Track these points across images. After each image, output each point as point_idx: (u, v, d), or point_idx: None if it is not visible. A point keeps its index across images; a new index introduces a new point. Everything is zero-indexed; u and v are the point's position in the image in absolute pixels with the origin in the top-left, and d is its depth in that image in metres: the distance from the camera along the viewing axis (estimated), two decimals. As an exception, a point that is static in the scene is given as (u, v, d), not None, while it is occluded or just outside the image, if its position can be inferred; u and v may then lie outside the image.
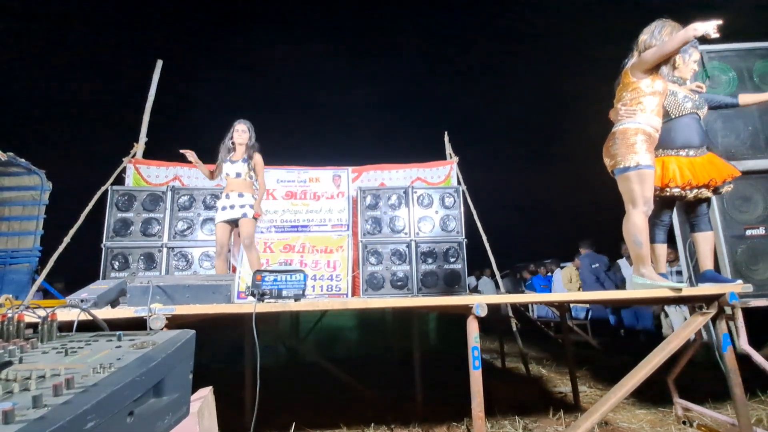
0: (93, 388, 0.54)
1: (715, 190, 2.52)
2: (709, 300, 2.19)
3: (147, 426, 0.61)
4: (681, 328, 2.23)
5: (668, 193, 2.50)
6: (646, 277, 2.32)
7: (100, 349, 0.71)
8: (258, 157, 3.51)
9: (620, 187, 2.43)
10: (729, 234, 3.02)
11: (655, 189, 2.46)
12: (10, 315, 0.80)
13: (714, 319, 2.18)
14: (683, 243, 3.26)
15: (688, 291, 2.16)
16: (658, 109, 2.40)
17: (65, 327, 1.06)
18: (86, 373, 0.59)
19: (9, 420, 0.44)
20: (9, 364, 0.64)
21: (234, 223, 3.48)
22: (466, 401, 1.91)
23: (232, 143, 3.50)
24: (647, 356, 2.13)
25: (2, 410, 0.44)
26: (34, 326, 0.85)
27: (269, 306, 1.99)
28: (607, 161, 2.51)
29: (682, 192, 2.48)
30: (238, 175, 3.44)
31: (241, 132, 3.47)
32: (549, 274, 8.53)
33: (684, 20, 2.36)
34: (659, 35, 2.34)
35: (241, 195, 3.43)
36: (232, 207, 3.40)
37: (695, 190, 2.47)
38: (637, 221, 2.32)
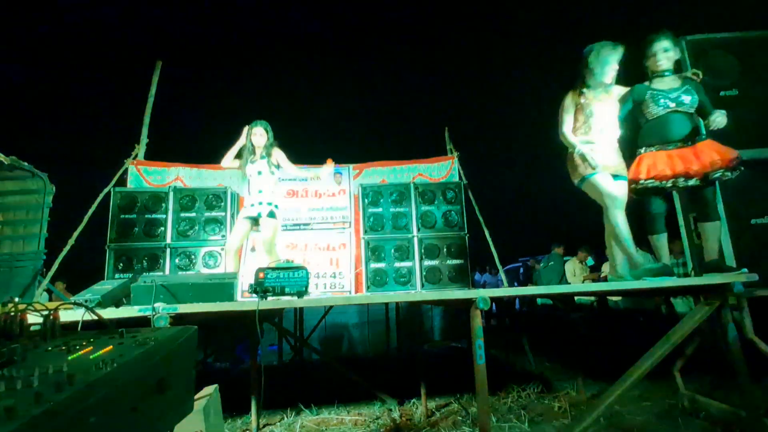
0: (95, 384, 0.54)
1: (707, 177, 2.42)
2: (714, 290, 2.17)
3: (150, 421, 0.61)
4: (686, 319, 2.21)
5: (651, 185, 2.51)
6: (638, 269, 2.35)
7: (103, 346, 0.71)
8: (277, 152, 3.54)
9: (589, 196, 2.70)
10: (734, 223, 3.00)
11: (642, 182, 2.52)
12: (13, 314, 0.80)
13: (720, 309, 2.17)
14: (687, 233, 3.24)
15: (692, 281, 2.15)
16: (578, 124, 2.71)
17: (70, 327, 1.06)
18: (89, 369, 0.59)
19: (12, 416, 0.44)
20: (12, 362, 0.64)
21: (254, 222, 3.46)
22: (471, 395, 1.91)
23: (252, 146, 3.52)
24: (652, 347, 2.12)
25: (5, 407, 0.44)
26: (38, 326, 0.85)
27: (272, 303, 2.00)
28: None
29: (666, 182, 2.47)
30: (260, 172, 3.48)
31: (259, 136, 3.51)
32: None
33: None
34: (594, 60, 2.62)
35: (260, 191, 3.44)
36: (252, 205, 3.42)
37: (690, 180, 2.43)
38: (615, 219, 2.49)
